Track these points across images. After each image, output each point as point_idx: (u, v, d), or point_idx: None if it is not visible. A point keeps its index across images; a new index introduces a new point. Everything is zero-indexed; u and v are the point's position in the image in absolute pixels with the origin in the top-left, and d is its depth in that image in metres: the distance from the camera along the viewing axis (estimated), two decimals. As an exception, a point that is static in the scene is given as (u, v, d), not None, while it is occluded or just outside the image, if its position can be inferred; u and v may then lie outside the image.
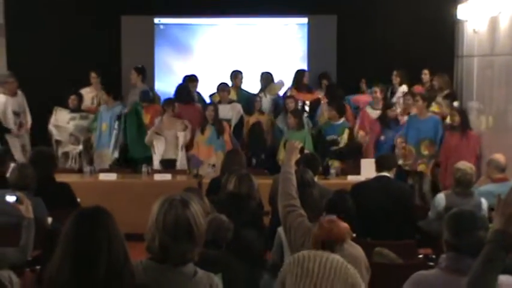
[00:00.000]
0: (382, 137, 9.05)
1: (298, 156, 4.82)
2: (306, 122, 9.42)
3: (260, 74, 10.23)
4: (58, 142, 9.66)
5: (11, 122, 9.46)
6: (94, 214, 2.61)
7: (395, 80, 10.07)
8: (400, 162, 8.53)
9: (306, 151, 8.28)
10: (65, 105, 9.74)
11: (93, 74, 10.08)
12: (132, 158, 9.57)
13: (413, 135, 8.74)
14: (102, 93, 9.70)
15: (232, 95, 10.06)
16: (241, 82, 10.25)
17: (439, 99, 9.38)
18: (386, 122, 9.05)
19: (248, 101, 9.98)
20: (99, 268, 2.50)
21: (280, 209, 4.43)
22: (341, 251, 4.26)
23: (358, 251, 4.36)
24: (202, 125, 9.11)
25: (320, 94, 10.14)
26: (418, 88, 9.78)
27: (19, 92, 9.56)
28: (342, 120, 9.03)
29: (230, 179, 5.79)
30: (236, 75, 10.22)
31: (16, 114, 9.52)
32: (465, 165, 6.12)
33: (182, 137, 9.09)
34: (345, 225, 3.93)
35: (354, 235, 4.64)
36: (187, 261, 2.75)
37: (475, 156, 8.41)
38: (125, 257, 2.58)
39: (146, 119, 9.51)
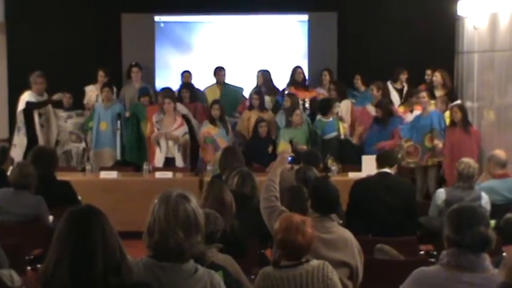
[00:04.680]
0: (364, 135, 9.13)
1: (288, 166, 5.21)
2: (306, 119, 9.40)
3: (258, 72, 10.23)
4: (56, 142, 9.59)
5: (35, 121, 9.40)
6: (86, 212, 2.61)
7: (403, 78, 10.05)
8: (405, 162, 8.58)
9: (304, 147, 8.32)
10: (59, 105, 9.73)
11: (101, 73, 10.05)
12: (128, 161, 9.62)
13: (417, 133, 8.75)
14: (107, 91, 9.63)
15: (217, 92, 10.10)
16: (224, 78, 10.24)
17: (437, 95, 9.39)
18: (381, 118, 9.06)
19: (236, 96, 10.02)
20: (96, 265, 2.49)
21: (262, 212, 4.75)
22: (332, 233, 4.33)
23: (347, 233, 4.45)
24: (211, 122, 9.10)
25: (321, 90, 10.14)
26: (423, 88, 9.74)
27: (45, 94, 9.51)
28: (331, 117, 9.05)
29: (232, 177, 5.78)
30: (219, 71, 10.21)
31: (39, 114, 9.41)
32: (468, 159, 6.20)
33: (181, 137, 9.09)
34: (309, 222, 3.87)
35: (341, 221, 4.75)
36: (188, 258, 2.75)
37: (477, 151, 8.42)
38: (121, 253, 2.57)
39: (147, 125, 9.47)
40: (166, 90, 9.56)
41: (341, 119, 9.14)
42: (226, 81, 10.30)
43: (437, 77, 9.49)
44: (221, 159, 6.88)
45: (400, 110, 9.49)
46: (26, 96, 9.34)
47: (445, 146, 8.63)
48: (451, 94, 9.45)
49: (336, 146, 8.91)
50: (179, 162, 9.08)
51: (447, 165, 8.54)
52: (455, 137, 8.53)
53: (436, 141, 8.63)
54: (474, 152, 8.18)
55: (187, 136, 9.14)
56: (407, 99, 9.46)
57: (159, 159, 9.11)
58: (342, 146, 8.98)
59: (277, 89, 10.21)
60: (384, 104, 9.12)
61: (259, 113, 9.48)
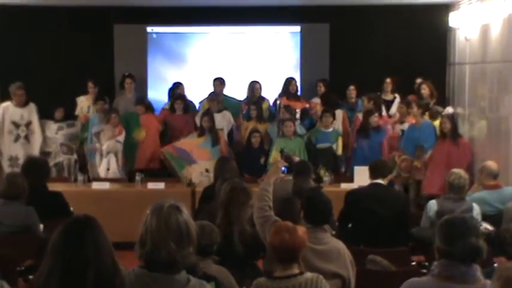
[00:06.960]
0: (355, 144, 9.14)
1: (282, 175, 5.16)
2: (299, 129, 9.45)
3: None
4: (47, 154, 9.58)
5: (5, 131, 9.42)
6: (82, 223, 2.59)
7: (388, 87, 10.11)
8: (395, 173, 8.60)
9: (297, 158, 8.33)
10: (50, 117, 9.71)
11: (90, 84, 10.06)
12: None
13: (410, 144, 8.77)
14: (101, 104, 9.63)
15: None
16: (223, 89, 10.26)
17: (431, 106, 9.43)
18: (364, 130, 9.08)
19: (234, 108, 10.03)
20: (88, 278, 2.47)
21: (256, 222, 4.73)
22: (325, 244, 4.34)
23: (340, 244, 4.45)
24: (200, 133, 9.17)
25: (317, 100, 10.15)
26: (412, 98, 9.79)
27: (31, 104, 9.53)
28: (332, 127, 9.11)
29: (223, 187, 5.78)
30: (217, 82, 10.21)
31: (15, 125, 9.48)
32: (459, 169, 6.22)
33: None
34: (302, 229, 3.91)
35: (334, 232, 4.76)
36: (180, 269, 2.75)
37: (467, 163, 8.42)
38: (114, 266, 2.55)
39: (142, 131, 9.50)
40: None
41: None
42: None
43: (425, 90, 9.55)
44: (215, 169, 6.92)
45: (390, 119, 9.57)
46: (4, 108, 9.39)
47: (429, 157, 8.65)
48: (439, 102, 9.51)
49: (328, 157, 8.94)
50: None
51: (427, 177, 8.53)
52: (444, 148, 8.55)
53: (417, 162, 8.65)
54: (463, 164, 8.16)
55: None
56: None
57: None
58: (336, 160, 9.05)
59: (264, 98, 10.17)
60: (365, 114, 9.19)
61: (257, 124, 9.56)
